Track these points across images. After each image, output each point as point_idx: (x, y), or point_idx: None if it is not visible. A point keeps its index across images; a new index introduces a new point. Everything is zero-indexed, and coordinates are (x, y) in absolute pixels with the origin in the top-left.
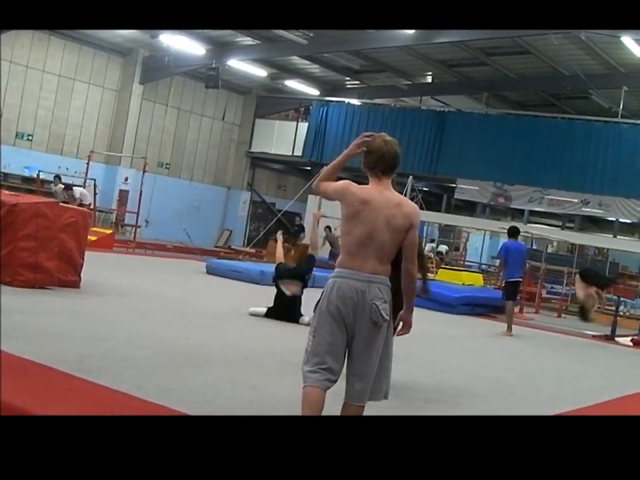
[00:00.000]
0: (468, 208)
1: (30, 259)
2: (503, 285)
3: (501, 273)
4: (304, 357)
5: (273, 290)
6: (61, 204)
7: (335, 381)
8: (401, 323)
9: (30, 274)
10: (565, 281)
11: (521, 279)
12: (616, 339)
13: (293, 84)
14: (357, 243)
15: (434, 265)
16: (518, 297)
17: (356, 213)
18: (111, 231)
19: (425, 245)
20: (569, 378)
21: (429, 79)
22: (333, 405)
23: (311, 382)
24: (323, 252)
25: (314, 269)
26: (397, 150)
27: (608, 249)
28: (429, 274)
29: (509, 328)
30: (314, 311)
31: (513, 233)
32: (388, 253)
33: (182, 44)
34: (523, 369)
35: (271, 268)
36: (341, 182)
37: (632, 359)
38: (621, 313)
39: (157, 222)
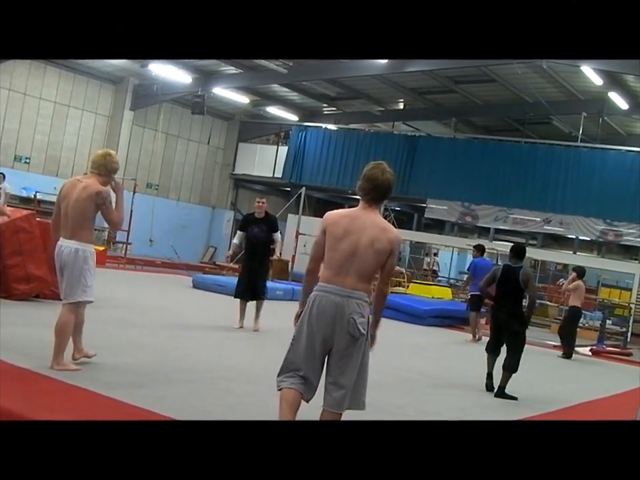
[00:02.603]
0: (437, 226)
1: (20, 273)
2: (469, 297)
3: (468, 287)
4: (283, 361)
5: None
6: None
7: (312, 391)
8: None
9: (24, 286)
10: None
11: None
12: (576, 348)
13: (274, 110)
14: (340, 259)
15: (405, 280)
16: (484, 309)
17: (341, 233)
18: (103, 248)
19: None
20: (530, 385)
21: (401, 106)
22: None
23: (287, 385)
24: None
25: None
26: (391, 181)
27: (568, 265)
28: (402, 287)
29: (474, 335)
30: (294, 323)
31: (483, 250)
32: (368, 272)
33: (170, 73)
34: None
35: None
36: (319, 228)
37: (590, 368)
38: (580, 325)
39: (146, 239)
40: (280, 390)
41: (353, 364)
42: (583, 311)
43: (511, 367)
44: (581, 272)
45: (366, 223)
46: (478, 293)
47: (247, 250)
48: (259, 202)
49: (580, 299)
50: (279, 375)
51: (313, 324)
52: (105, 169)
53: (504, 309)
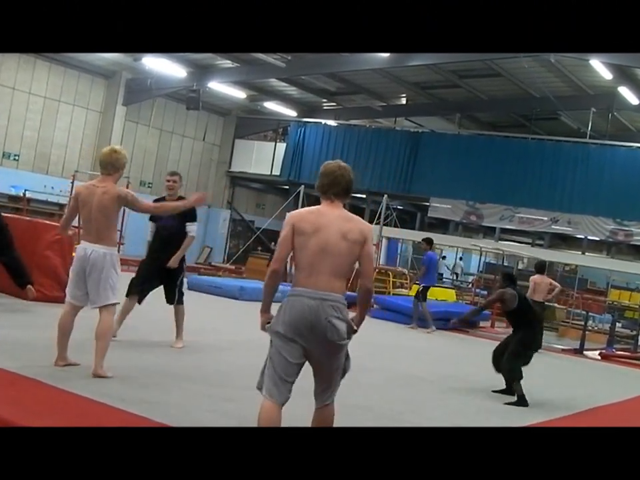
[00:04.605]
0: (441, 226)
1: None
2: (421, 289)
3: (420, 279)
4: (259, 379)
5: (252, 305)
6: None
7: (288, 394)
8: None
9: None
10: None
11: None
12: (584, 352)
13: (272, 105)
14: (311, 257)
15: (407, 281)
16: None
17: (309, 228)
18: None
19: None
20: (537, 390)
21: (403, 101)
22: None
23: (266, 395)
24: None
25: None
26: (350, 175)
27: (577, 266)
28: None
29: (431, 326)
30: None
31: (432, 243)
32: (342, 268)
33: (164, 67)
34: (491, 381)
35: (250, 284)
36: (285, 226)
37: (599, 372)
38: (590, 328)
39: (140, 240)
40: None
41: (336, 366)
42: (590, 314)
43: (504, 372)
44: (539, 267)
45: (332, 217)
46: (429, 285)
47: (154, 242)
48: (169, 180)
49: (542, 293)
50: (261, 388)
51: (287, 332)
52: (113, 167)
53: None
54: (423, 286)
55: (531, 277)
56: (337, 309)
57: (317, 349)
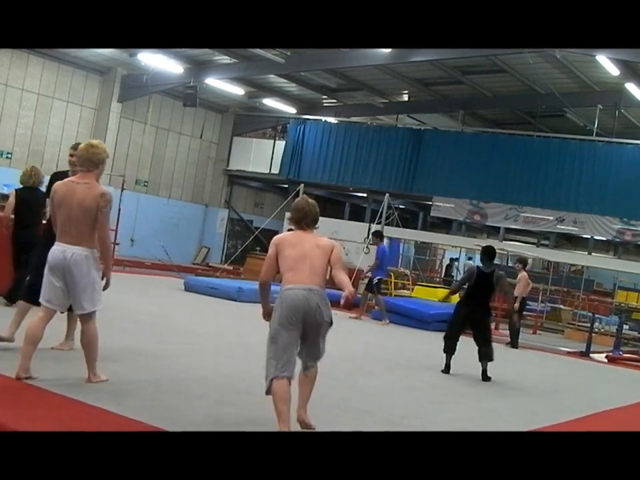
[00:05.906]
0: (444, 225)
1: None
2: (376, 281)
3: (372, 272)
4: (267, 364)
5: (251, 306)
6: None
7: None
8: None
9: None
10: (540, 298)
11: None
12: (591, 355)
13: (270, 102)
14: (293, 261)
15: (409, 282)
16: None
17: (289, 244)
18: None
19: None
20: (542, 394)
21: (405, 97)
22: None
23: (280, 374)
24: None
25: None
26: (316, 209)
27: (583, 266)
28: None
29: (361, 315)
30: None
31: (382, 236)
32: (320, 267)
33: (160, 63)
34: (495, 385)
35: (248, 285)
36: (271, 246)
37: (606, 375)
38: (596, 330)
39: (136, 239)
40: (273, 380)
41: (321, 340)
42: (597, 315)
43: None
44: (525, 263)
45: (306, 237)
46: (382, 277)
47: (50, 228)
48: (72, 154)
49: (524, 288)
50: (270, 367)
51: (287, 318)
52: (91, 163)
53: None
54: (378, 279)
55: (522, 274)
56: (321, 297)
57: (309, 327)
